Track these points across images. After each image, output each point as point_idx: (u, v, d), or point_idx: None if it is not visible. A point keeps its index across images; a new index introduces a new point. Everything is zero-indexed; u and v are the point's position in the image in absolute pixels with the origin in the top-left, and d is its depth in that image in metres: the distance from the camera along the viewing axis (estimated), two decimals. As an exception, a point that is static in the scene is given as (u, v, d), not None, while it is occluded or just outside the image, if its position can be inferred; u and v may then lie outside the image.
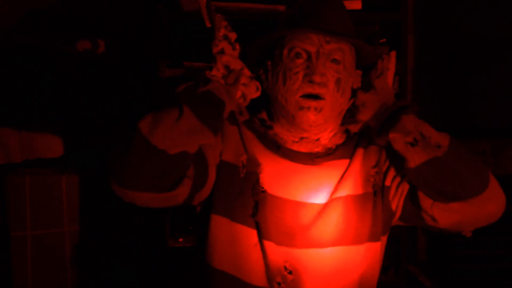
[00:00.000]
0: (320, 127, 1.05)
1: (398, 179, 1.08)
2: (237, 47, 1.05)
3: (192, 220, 1.04)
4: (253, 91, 1.05)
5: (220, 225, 1.04)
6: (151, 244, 1.92)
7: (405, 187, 1.07)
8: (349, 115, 1.13)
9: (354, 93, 1.10)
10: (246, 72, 1.04)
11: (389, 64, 1.13)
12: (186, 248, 1.82)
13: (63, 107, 2.01)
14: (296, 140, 1.08)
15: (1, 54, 1.93)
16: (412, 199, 1.06)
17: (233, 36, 1.04)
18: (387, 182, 1.09)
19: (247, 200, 1.04)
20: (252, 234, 1.02)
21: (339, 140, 1.12)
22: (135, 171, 0.90)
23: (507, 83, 2.29)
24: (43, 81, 1.99)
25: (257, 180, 1.04)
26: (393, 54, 1.13)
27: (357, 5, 2.12)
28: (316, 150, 1.09)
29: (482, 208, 1.00)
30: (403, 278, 2.10)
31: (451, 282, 1.95)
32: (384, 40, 2.25)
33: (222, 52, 1.02)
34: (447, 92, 2.29)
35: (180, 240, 1.82)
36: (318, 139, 1.08)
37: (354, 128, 1.10)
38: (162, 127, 0.91)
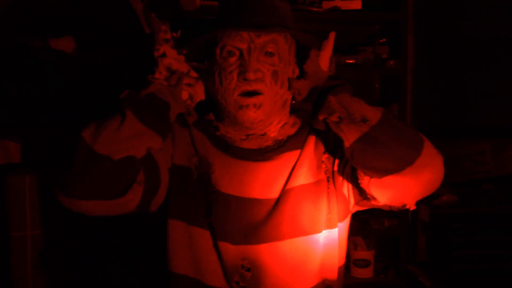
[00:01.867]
0: (264, 122, 1.04)
1: (343, 163, 1.06)
2: (184, 51, 1.05)
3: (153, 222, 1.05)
4: (200, 92, 1.04)
5: (177, 229, 1.04)
6: (151, 244, 1.92)
7: (349, 169, 1.06)
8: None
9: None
10: (192, 73, 1.04)
11: (326, 46, 1.10)
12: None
13: (63, 107, 2.01)
14: (244, 137, 1.07)
15: (0, 53, 1.93)
16: (353, 180, 1.04)
17: (173, 43, 1.04)
18: (335, 167, 1.07)
19: (201, 201, 1.03)
20: (208, 236, 1.02)
21: (291, 130, 1.10)
22: (80, 179, 0.89)
23: (507, 83, 2.29)
24: (43, 81, 1.99)
25: (209, 181, 1.04)
26: (331, 35, 1.10)
27: (357, 5, 2.13)
28: (265, 144, 1.07)
29: (415, 178, 0.95)
30: (403, 278, 2.10)
31: (451, 282, 1.95)
32: (384, 40, 2.26)
33: (163, 55, 1.02)
34: (447, 92, 2.29)
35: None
36: (264, 134, 1.07)
37: (299, 117, 1.11)
38: (104, 133, 0.91)
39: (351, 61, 2.18)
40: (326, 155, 1.08)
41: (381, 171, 0.96)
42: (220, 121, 1.10)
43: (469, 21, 2.27)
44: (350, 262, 2.05)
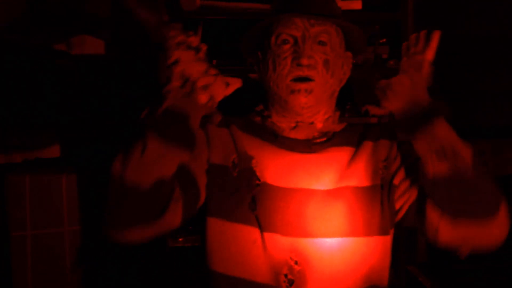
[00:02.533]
0: (313, 108, 1.06)
1: (407, 182, 1.06)
2: (203, 48, 1.01)
3: (192, 220, 1.03)
4: (221, 89, 0.99)
5: (215, 227, 1.04)
6: (151, 244, 1.92)
7: (413, 192, 1.05)
8: (351, 113, 1.13)
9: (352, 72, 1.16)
10: (211, 71, 0.99)
11: (430, 45, 1.08)
12: (185, 248, 1.82)
13: (62, 107, 2.01)
14: (293, 125, 1.08)
15: (0, 53, 1.93)
16: (419, 206, 1.04)
17: (193, 40, 0.99)
18: (395, 181, 1.07)
19: (243, 197, 1.03)
20: (250, 230, 1.01)
21: (336, 126, 1.12)
22: (116, 210, 0.91)
23: (507, 83, 2.29)
24: (43, 81, 1.98)
25: (251, 176, 1.04)
26: (437, 34, 1.09)
27: (357, 5, 2.13)
28: (312, 135, 1.09)
29: (487, 231, 0.98)
30: (403, 278, 2.10)
31: (451, 282, 1.94)
32: (384, 40, 2.25)
33: (176, 62, 0.97)
34: (447, 92, 2.29)
35: (180, 239, 1.82)
36: (312, 123, 1.08)
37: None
38: (131, 161, 0.90)
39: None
40: (385, 163, 1.08)
41: (461, 212, 0.96)
42: (269, 111, 1.12)
43: (469, 21, 2.26)
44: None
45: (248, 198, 1.03)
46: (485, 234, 0.99)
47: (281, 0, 1.09)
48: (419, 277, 2.03)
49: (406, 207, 1.06)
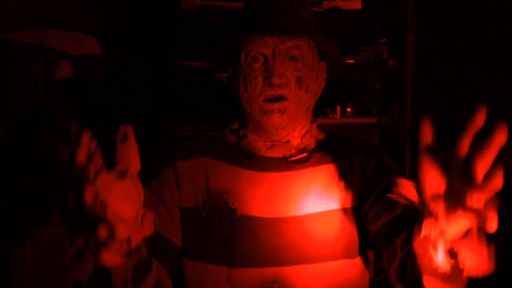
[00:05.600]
0: (288, 128, 1.03)
1: (380, 207, 1.00)
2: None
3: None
4: (141, 233, 0.74)
5: (189, 268, 1.02)
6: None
7: (383, 220, 0.99)
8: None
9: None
10: (140, 213, 0.72)
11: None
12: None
13: (61, 107, 2.01)
14: (269, 145, 1.05)
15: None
16: (385, 239, 0.98)
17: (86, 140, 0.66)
18: (367, 205, 1.03)
19: (214, 236, 1.00)
20: (222, 270, 0.99)
21: (311, 141, 1.08)
22: None
23: (507, 83, 2.29)
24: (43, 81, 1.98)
25: (223, 212, 1.01)
26: (501, 133, 0.62)
27: (357, 5, 2.13)
28: (289, 153, 1.06)
29: None
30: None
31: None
32: (384, 40, 2.26)
33: (99, 200, 0.65)
34: (447, 92, 2.29)
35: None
36: (288, 141, 1.05)
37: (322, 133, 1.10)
38: None
39: (351, 61, 2.18)
40: (363, 184, 1.04)
41: None
42: (244, 129, 1.08)
43: (469, 21, 2.27)
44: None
45: (221, 236, 1.00)
46: None
47: (250, 14, 1.05)
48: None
49: (374, 232, 1.02)
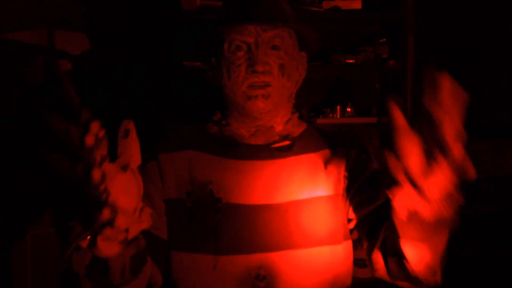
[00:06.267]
0: (271, 113, 1.06)
1: (362, 197, 1.05)
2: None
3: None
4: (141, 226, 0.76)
5: (176, 259, 1.03)
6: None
7: (365, 209, 1.04)
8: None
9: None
10: (139, 205, 0.74)
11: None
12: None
13: (61, 107, 2.01)
14: (252, 131, 1.08)
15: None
16: (369, 232, 1.03)
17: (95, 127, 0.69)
18: (351, 193, 1.06)
19: (199, 226, 1.02)
20: (208, 258, 1.01)
21: (295, 130, 1.11)
22: None
23: (507, 83, 2.29)
24: (43, 81, 1.99)
25: (208, 202, 1.02)
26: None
27: (357, 5, 2.13)
28: (272, 139, 1.08)
29: None
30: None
31: (451, 282, 1.95)
32: (384, 40, 2.26)
33: (104, 188, 0.67)
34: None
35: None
36: (271, 126, 1.08)
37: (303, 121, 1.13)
38: None
39: (351, 61, 2.18)
40: (346, 174, 1.08)
41: (399, 280, 0.98)
42: (227, 118, 1.11)
43: (469, 21, 2.27)
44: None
45: (207, 225, 1.02)
46: None
47: (233, 6, 1.09)
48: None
49: (354, 222, 1.06)
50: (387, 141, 2.29)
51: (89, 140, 0.67)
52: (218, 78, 1.08)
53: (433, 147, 0.68)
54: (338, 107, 2.16)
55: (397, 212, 0.75)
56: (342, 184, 1.07)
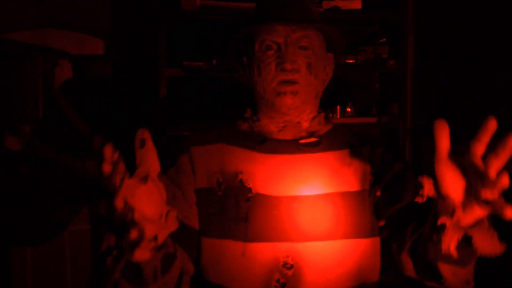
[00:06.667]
0: (299, 109, 1.11)
1: (387, 195, 1.10)
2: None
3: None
4: (170, 225, 0.80)
5: (206, 245, 1.08)
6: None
7: (393, 208, 1.09)
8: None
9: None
10: (164, 211, 0.78)
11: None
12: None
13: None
14: (280, 127, 1.13)
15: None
16: (396, 233, 1.08)
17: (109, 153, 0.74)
18: (378, 193, 1.11)
19: (230, 213, 1.06)
20: (237, 245, 1.05)
21: (321, 128, 1.15)
22: None
23: (507, 83, 2.29)
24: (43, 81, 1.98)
25: (239, 191, 1.07)
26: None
27: (357, 5, 2.13)
28: (300, 135, 1.13)
29: None
30: (403, 278, 2.10)
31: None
32: (384, 40, 2.26)
33: (127, 205, 0.72)
34: (447, 92, 2.29)
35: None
36: (299, 122, 1.13)
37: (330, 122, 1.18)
38: None
39: (351, 61, 2.18)
40: (372, 171, 1.12)
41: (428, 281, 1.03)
42: (257, 115, 1.16)
43: (469, 21, 2.27)
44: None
45: (238, 213, 1.06)
46: None
47: (263, 7, 1.14)
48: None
49: (383, 220, 1.11)
50: (387, 141, 2.29)
51: (107, 168, 0.72)
52: (249, 75, 1.13)
53: (476, 183, 0.73)
54: (338, 107, 2.16)
55: (443, 246, 0.81)
56: (368, 181, 1.11)
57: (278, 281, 1.03)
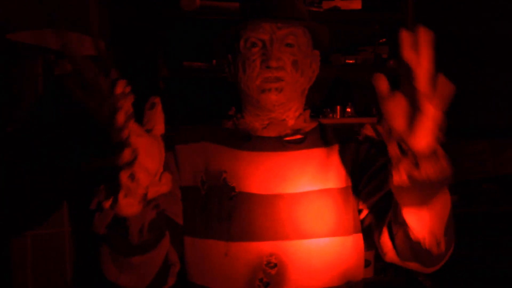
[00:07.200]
0: (284, 106, 1.09)
1: (371, 187, 1.06)
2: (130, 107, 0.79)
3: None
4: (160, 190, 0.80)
5: (189, 244, 1.07)
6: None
7: (374, 199, 1.06)
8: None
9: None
10: (159, 170, 0.78)
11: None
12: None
13: (61, 107, 2.01)
14: (265, 124, 1.12)
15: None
16: (377, 219, 1.05)
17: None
18: (361, 185, 1.08)
19: (212, 213, 1.05)
20: (220, 244, 1.04)
21: (306, 125, 1.14)
22: None
23: (507, 83, 2.29)
24: (42, 81, 1.99)
25: (222, 190, 1.06)
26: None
27: (357, 5, 2.13)
28: (284, 132, 1.12)
29: (431, 270, 0.98)
30: (403, 278, 2.10)
31: (451, 282, 1.95)
32: (384, 40, 2.26)
33: (134, 156, 0.74)
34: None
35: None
36: (284, 119, 1.11)
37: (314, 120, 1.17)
38: (122, 276, 0.93)
39: (351, 61, 2.18)
40: (357, 168, 1.10)
41: (411, 259, 0.98)
42: (242, 112, 1.15)
43: (469, 21, 2.27)
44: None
45: (221, 212, 1.05)
46: (428, 271, 1.00)
47: (249, 5, 1.13)
48: (419, 277, 2.03)
49: (366, 212, 1.09)
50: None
51: (118, 89, 0.76)
52: (233, 73, 1.12)
53: (414, 102, 0.75)
54: (338, 107, 2.16)
55: (393, 180, 0.77)
56: (352, 177, 1.09)
57: (261, 280, 1.02)
